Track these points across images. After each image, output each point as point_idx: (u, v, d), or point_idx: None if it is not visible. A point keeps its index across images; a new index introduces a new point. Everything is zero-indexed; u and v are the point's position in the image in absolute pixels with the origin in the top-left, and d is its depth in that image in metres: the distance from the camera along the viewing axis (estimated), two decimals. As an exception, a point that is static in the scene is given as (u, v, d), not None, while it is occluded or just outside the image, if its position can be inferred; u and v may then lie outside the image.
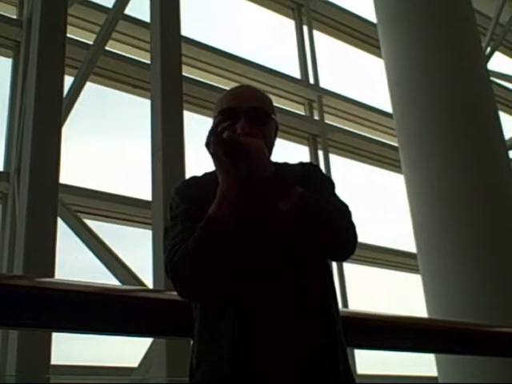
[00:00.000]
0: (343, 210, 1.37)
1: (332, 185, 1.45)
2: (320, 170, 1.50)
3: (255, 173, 1.29)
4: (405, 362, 4.62)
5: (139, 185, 4.26)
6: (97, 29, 4.55)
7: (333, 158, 6.39)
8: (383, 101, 6.06)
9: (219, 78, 5.97)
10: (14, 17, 4.82)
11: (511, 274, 4.44)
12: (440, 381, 4.37)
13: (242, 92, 1.46)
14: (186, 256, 1.25)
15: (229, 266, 1.25)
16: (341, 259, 1.41)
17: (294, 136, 6.23)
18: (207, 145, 1.32)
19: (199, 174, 1.47)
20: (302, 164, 1.49)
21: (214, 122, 1.40)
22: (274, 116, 1.45)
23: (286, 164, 1.47)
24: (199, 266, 1.24)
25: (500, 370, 3.63)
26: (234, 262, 1.25)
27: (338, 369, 1.27)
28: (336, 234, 1.31)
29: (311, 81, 6.67)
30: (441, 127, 4.89)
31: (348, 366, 1.31)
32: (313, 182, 1.39)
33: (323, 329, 1.28)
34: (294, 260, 1.30)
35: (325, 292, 1.34)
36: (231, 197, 1.27)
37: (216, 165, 1.32)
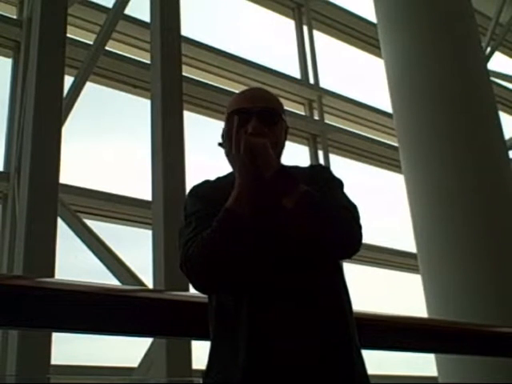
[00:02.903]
0: (349, 209, 1.39)
1: (340, 184, 1.48)
2: (328, 170, 1.53)
3: (260, 170, 1.31)
4: (405, 362, 4.62)
5: (139, 185, 4.26)
6: (97, 29, 4.54)
7: (333, 158, 6.38)
8: (383, 101, 6.06)
9: (219, 78, 5.97)
10: (14, 17, 4.82)
11: (511, 274, 4.44)
12: (440, 381, 4.37)
13: (253, 93, 1.50)
14: (201, 246, 1.27)
15: (242, 259, 1.27)
16: (344, 257, 1.41)
17: (294, 136, 6.23)
18: (222, 144, 1.39)
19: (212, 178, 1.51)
20: (311, 166, 1.53)
21: (225, 123, 1.45)
22: (283, 117, 1.48)
23: (295, 167, 1.49)
24: (214, 256, 1.26)
25: (500, 370, 3.63)
26: (247, 256, 1.27)
27: (354, 372, 1.28)
28: (340, 232, 1.32)
29: (311, 81, 6.66)
30: (441, 127, 4.89)
31: (364, 368, 1.32)
32: (321, 181, 1.42)
33: (338, 334, 1.29)
34: (302, 258, 1.31)
35: (337, 294, 1.35)
36: (248, 192, 1.30)
37: (233, 163, 1.37)
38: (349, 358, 1.28)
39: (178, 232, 1.39)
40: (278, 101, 1.51)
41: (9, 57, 4.68)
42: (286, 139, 1.50)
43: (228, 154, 1.40)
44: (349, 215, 1.36)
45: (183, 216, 1.41)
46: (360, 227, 1.36)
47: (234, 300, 1.30)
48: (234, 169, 1.36)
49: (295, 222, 1.30)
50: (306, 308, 1.27)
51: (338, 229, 1.32)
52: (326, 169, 1.55)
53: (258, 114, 1.40)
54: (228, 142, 1.36)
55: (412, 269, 5.67)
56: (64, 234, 3.57)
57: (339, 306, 1.33)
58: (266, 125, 1.40)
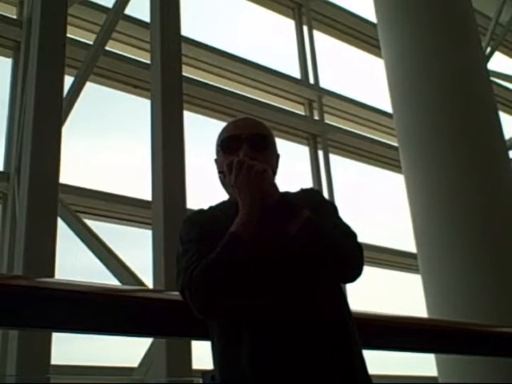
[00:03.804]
0: (349, 233, 1.41)
1: (335, 209, 1.50)
2: (322, 195, 1.57)
3: (261, 198, 1.34)
4: (405, 362, 4.62)
5: (139, 185, 4.26)
6: (97, 29, 4.54)
7: (333, 158, 6.38)
8: (383, 101, 6.06)
9: (219, 78, 5.97)
10: (14, 17, 4.82)
11: (511, 274, 4.44)
12: (440, 381, 4.37)
13: (242, 121, 1.54)
14: (206, 270, 1.28)
15: (246, 283, 1.29)
16: (349, 281, 1.42)
17: (294, 136, 6.23)
18: (222, 172, 1.42)
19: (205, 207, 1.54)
20: (303, 190, 1.54)
21: (217, 153, 1.50)
22: (274, 145, 1.52)
23: (287, 192, 1.50)
24: (220, 280, 1.27)
25: (500, 370, 3.63)
26: (250, 281, 1.29)
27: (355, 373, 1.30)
28: (344, 257, 1.35)
29: (311, 81, 6.66)
30: (441, 127, 4.89)
31: (365, 371, 1.34)
32: (316, 206, 1.43)
33: (340, 351, 1.30)
34: (305, 281, 1.33)
35: (338, 312, 1.36)
36: (253, 218, 1.32)
37: (232, 191, 1.39)
38: (349, 363, 1.30)
39: (176, 259, 1.40)
40: (267, 128, 1.54)
41: (9, 57, 4.68)
42: (277, 167, 1.53)
43: (225, 182, 1.44)
44: (350, 240, 1.39)
45: (179, 244, 1.42)
46: (361, 251, 1.38)
47: (234, 323, 1.31)
48: (235, 196, 1.38)
49: (298, 248, 1.32)
50: (309, 332, 1.28)
51: (341, 255, 1.34)
52: (319, 193, 1.58)
53: (248, 140, 1.43)
54: (228, 170, 1.38)
55: (412, 269, 5.67)
56: (64, 234, 3.57)
57: (338, 314, 1.35)
58: (256, 150, 1.43)
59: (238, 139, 1.44)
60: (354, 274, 1.38)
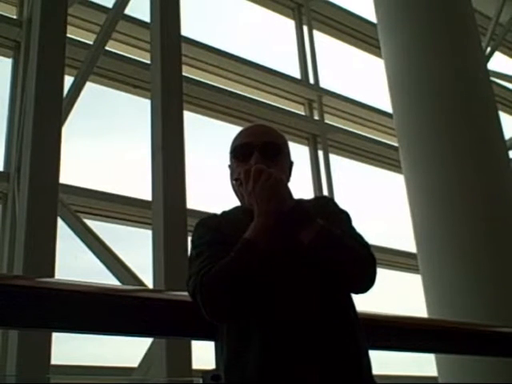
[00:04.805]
0: (362, 243, 1.41)
1: (348, 217, 1.50)
2: (335, 204, 1.55)
3: (277, 206, 1.34)
4: (405, 362, 4.62)
5: (139, 185, 4.26)
6: (97, 29, 4.54)
7: (333, 158, 6.38)
8: (383, 101, 6.06)
9: (219, 78, 5.97)
10: (14, 17, 4.82)
11: (511, 274, 4.44)
12: (440, 381, 4.37)
13: (255, 129, 1.55)
14: (218, 274, 1.27)
15: (259, 290, 1.28)
16: (362, 291, 1.41)
17: (294, 136, 6.23)
18: (236, 180, 1.43)
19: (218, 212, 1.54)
20: (316, 198, 1.56)
21: (230, 160, 1.51)
22: (287, 152, 1.52)
23: (301, 200, 1.50)
24: (232, 284, 1.27)
25: (500, 370, 3.63)
26: (262, 287, 1.29)
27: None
28: (357, 267, 1.36)
29: (311, 81, 6.66)
30: (441, 127, 4.89)
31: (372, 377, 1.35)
32: (330, 215, 1.43)
33: (348, 351, 1.31)
34: (316, 288, 1.33)
35: (347, 314, 1.36)
36: (269, 226, 1.32)
37: (246, 197, 1.39)
38: (356, 363, 1.31)
39: (188, 262, 1.39)
40: (281, 135, 1.54)
41: (9, 57, 4.68)
42: (290, 175, 1.53)
43: (238, 189, 1.44)
44: (364, 250, 1.39)
45: (192, 247, 1.42)
46: (374, 261, 1.39)
47: (245, 325, 1.31)
48: (250, 203, 1.37)
49: (311, 256, 1.32)
50: (317, 328, 1.29)
51: (355, 265, 1.35)
52: (331, 201, 1.57)
53: (259, 148, 1.44)
54: (245, 178, 1.37)
55: (412, 269, 5.67)
56: (64, 234, 3.57)
57: (347, 317, 1.35)
58: (268, 158, 1.43)
59: (249, 147, 1.45)
60: (367, 285, 1.38)
